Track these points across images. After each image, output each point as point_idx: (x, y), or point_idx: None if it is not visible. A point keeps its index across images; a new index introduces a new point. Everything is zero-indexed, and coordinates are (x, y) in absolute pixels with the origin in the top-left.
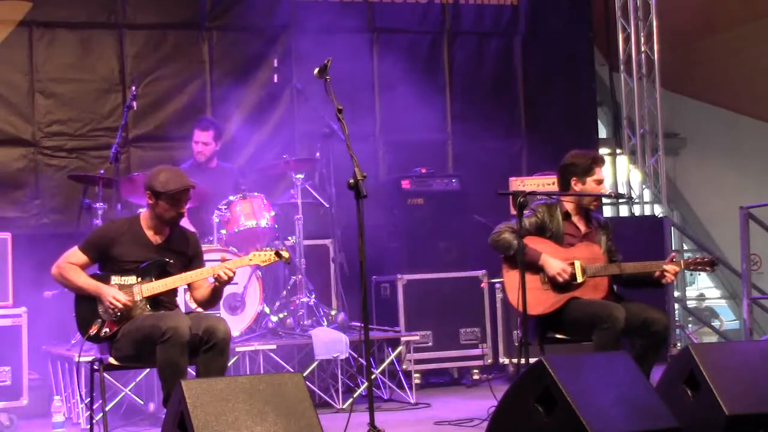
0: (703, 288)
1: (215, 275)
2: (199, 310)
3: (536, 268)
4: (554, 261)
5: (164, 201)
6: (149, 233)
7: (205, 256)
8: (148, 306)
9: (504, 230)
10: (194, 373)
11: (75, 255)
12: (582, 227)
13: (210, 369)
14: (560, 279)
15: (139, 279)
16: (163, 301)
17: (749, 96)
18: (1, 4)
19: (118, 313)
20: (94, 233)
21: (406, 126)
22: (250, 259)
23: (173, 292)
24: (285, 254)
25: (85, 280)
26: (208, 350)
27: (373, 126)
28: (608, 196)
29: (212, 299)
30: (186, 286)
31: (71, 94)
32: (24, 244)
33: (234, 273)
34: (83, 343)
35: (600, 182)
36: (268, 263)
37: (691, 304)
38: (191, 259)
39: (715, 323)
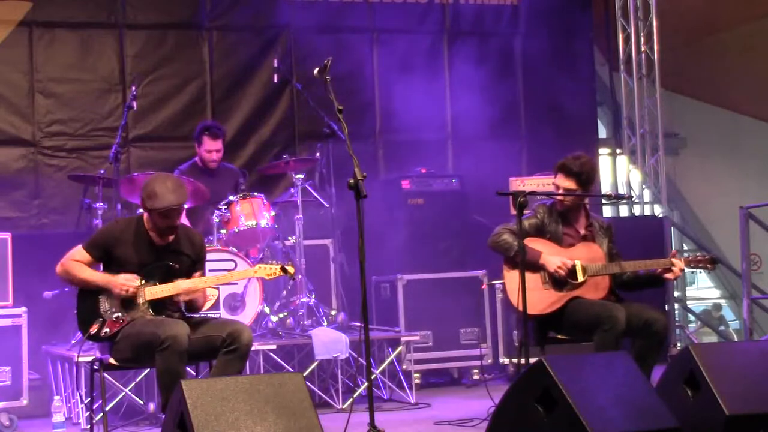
0: (702, 288)
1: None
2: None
3: (537, 268)
4: (553, 257)
5: (154, 214)
6: (152, 234)
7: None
8: (150, 310)
9: (503, 231)
10: (194, 374)
11: (79, 253)
12: (581, 229)
13: (226, 372)
14: (562, 272)
15: (143, 282)
16: (165, 304)
17: (749, 96)
18: (1, 4)
19: (128, 294)
20: (98, 233)
21: (406, 126)
22: (255, 272)
23: (176, 294)
24: (290, 269)
25: (90, 273)
26: (229, 352)
27: (373, 126)
28: (608, 197)
29: (190, 308)
30: None
31: (71, 94)
32: (24, 244)
33: (205, 300)
34: (83, 343)
35: (557, 187)
36: (272, 277)
37: (696, 305)
38: (195, 262)
39: (721, 328)
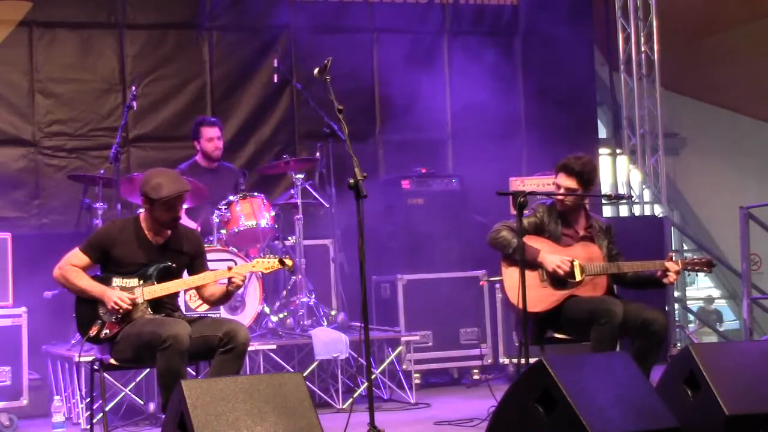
0: (703, 288)
1: (230, 279)
2: (202, 308)
3: (535, 266)
4: (552, 256)
5: (158, 206)
6: (149, 234)
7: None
8: (149, 309)
9: (502, 228)
10: (194, 374)
11: (76, 256)
12: (581, 230)
13: (223, 371)
14: (560, 271)
15: (141, 282)
16: (164, 303)
17: (749, 96)
18: (1, 4)
19: (120, 315)
20: (94, 234)
21: (406, 126)
22: (254, 266)
23: (174, 294)
24: (288, 262)
25: (88, 283)
26: (226, 352)
27: (373, 126)
28: (608, 197)
29: (222, 300)
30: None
31: (71, 94)
32: (24, 244)
33: (244, 279)
34: (83, 343)
35: (558, 187)
36: (271, 270)
37: (696, 304)
38: (193, 259)
39: (720, 328)
